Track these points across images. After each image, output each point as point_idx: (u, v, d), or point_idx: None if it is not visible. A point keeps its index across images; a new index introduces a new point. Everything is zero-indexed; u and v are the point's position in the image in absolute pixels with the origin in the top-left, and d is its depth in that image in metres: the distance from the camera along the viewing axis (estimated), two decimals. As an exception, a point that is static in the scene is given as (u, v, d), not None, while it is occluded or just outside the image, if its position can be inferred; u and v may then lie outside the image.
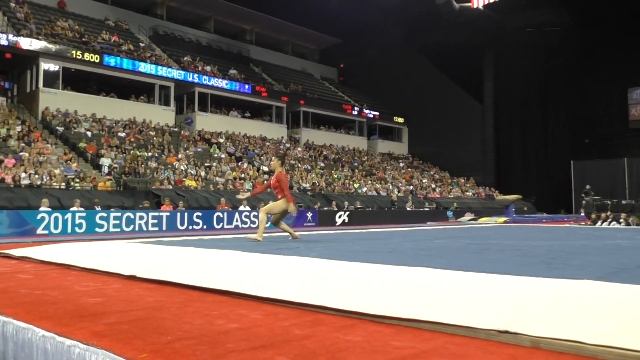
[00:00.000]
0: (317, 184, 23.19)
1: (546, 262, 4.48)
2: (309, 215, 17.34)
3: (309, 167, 25.99)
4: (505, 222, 18.96)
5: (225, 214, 15.03)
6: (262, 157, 24.19)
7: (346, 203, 20.46)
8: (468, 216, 22.77)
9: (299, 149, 28.97)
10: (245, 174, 21.10)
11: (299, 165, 25.54)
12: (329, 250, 5.88)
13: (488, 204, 29.29)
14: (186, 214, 14.25)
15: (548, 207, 31.36)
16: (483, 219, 20.56)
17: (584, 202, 24.78)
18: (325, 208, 19.74)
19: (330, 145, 32.09)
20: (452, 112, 36.56)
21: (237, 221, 15.16)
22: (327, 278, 3.65)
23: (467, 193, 31.42)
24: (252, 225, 15.43)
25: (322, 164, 27.56)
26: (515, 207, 22.53)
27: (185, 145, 22.46)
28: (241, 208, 16.25)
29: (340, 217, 18.34)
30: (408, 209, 22.74)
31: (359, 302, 2.98)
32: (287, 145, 28.77)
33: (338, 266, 4.15)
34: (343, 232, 10.93)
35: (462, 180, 34.36)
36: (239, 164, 22.45)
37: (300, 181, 22.84)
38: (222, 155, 22.85)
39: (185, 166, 19.64)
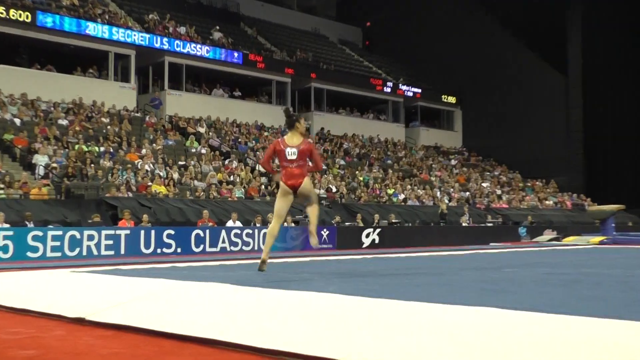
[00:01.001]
0: (336, 190, 23.22)
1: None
2: (325, 233, 17.40)
3: (324, 166, 26.07)
4: (601, 242, 18.79)
5: (208, 232, 15.08)
6: (257, 153, 24.28)
7: (376, 217, 20.47)
8: (548, 234, 22.63)
9: (310, 140, 28.98)
10: (234, 176, 21.18)
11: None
12: (353, 282, 5.88)
13: (576, 217, 29.09)
14: (153, 232, 14.31)
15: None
16: (570, 239, 20.42)
17: None
18: (347, 224, 19.76)
19: (353, 135, 32.17)
20: (524, 88, 36.53)
21: (223, 242, 15.21)
22: (352, 321, 3.62)
23: (547, 202, 31.26)
24: (244, 247, 15.47)
25: (342, 162, 27.63)
26: (616, 221, 22.29)
27: (151, 137, 22.61)
28: (230, 224, 16.30)
29: (368, 236, 18.35)
30: (464, 224, 22.70)
31: (394, 353, 2.93)
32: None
33: (365, 304, 4.15)
34: (373, 258, 10.91)
35: (539, 184, 34.21)
36: (226, 162, 22.55)
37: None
38: (203, 150, 22.98)
39: (151, 165, 19.76)
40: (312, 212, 7.20)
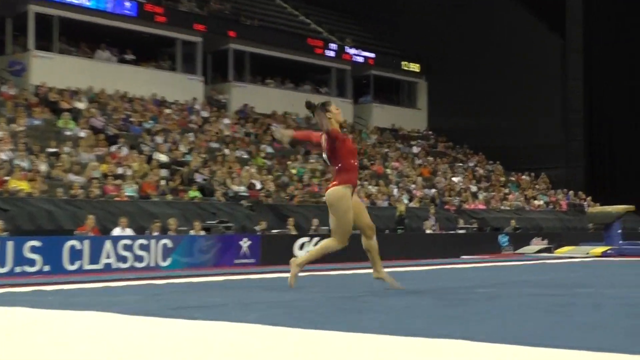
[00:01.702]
0: (261, 187, 23.13)
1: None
2: (244, 244, 17.32)
3: (245, 155, 25.95)
4: (604, 254, 19.28)
5: (87, 243, 14.84)
6: (157, 137, 24.00)
7: (315, 222, 20.48)
8: (536, 244, 23.05)
9: (226, 120, 28.93)
10: (125, 168, 20.89)
11: (226, 151, 25.48)
12: (281, 308, 5.87)
13: (573, 222, 29.82)
14: (10, 244, 13.98)
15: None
16: (564, 250, 20.86)
17: None
18: (276, 231, 19.70)
19: (284, 114, 32.14)
20: (508, 54, 37.13)
21: (108, 257, 14.98)
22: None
23: (536, 202, 31.93)
24: (136, 264, 15.29)
25: (269, 149, 27.56)
26: (623, 226, 22.90)
27: (9, 114, 22.09)
28: (117, 232, 16.07)
29: (302, 247, 18.29)
30: (428, 231, 22.93)
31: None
32: (204, 112, 28.70)
33: (296, 337, 4.13)
34: (308, 276, 10.91)
35: (527, 179, 34.92)
36: (114, 148, 22.22)
37: (229, 181, 22.76)
38: (82, 133, 22.58)
39: (9, 153, 19.31)
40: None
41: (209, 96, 30.80)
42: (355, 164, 7.49)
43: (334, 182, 7.44)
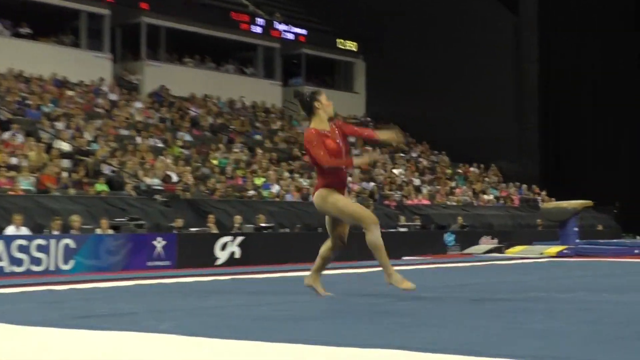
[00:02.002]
0: (177, 180, 22.97)
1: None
2: (159, 244, 17.18)
3: (160, 144, 25.72)
4: (560, 254, 19.60)
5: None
6: (58, 122, 23.65)
7: (238, 219, 20.44)
8: (486, 243, 23.33)
9: (138, 104, 28.62)
10: (20, 157, 20.56)
11: (139, 139, 25.22)
12: (199, 315, 5.86)
13: (526, 219, 30.23)
14: None
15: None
16: (516, 249, 21.12)
17: None
18: (194, 229, 19.61)
19: (204, 97, 31.96)
20: (456, 32, 37.39)
21: (0, 260, 14.75)
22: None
23: (485, 196, 32.31)
24: (33, 267, 15.05)
25: (187, 137, 27.37)
26: (580, 224, 23.31)
27: None
28: (11, 231, 15.82)
29: (225, 247, 18.30)
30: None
31: None
32: (113, 95, 28.36)
33: (215, 349, 4.10)
34: (231, 280, 10.89)
35: (476, 171, 35.29)
36: (6, 135, 21.84)
37: (141, 173, 22.52)
38: (-31, 118, 22.12)
39: None
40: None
41: (118, 76, 30.44)
42: (340, 170, 7.52)
43: (316, 186, 7.68)
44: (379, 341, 4.34)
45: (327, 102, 7.48)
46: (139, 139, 25.19)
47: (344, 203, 7.68)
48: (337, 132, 7.43)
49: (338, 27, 38.48)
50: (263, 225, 20.58)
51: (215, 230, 19.69)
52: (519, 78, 37.21)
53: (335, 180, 7.57)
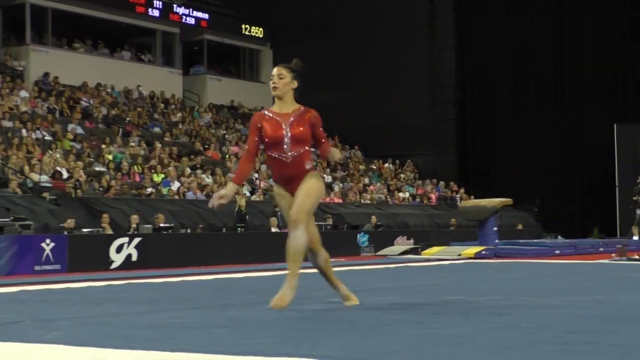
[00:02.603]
0: (68, 176, 22.69)
1: (562, 341, 4.71)
2: (47, 247, 16.96)
3: (48, 137, 25.36)
4: (478, 255, 19.94)
5: None
6: None
7: (134, 219, 20.29)
8: (401, 244, 23.60)
9: (23, 93, 28.17)
10: None
11: (24, 131, 24.84)
12: (91, 323, 5.83)
13: (444, 218, 30.63)
14: None
15: (566, 224, 33.58)
16: (433, 250, 21.43)
17: (638, 213, 26.72)
18: (87, 230, 19.40)
19: (97, 86, 31.64)
20: (368, 17, 37.60)
21: None
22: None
23: (401, 194, 32.63)
24: None
25: (79, 129, 27.03)
26: (500, 222, 23.72)
27: None
28: None
29: (120, 250, 18.17)
30: (273, 229, 23.08)
31: None
32: (-5, 84, 27.88)
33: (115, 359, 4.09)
34: (126, 285, 10.81)
35: (390, 167, 35.58)
36: None
37: (27, 169, 22.18)
38: None
39: None
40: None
41: (0, 62, 29.88)
42: (275, 155, 7.05)
43: (311, 168, 7.22)
44: (284, 349, 4.36)
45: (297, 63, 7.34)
46: (24, 132, 24.84)
47: (281, 205, 7.33)
48: (301, 119, 7.13)
49: (243, 11, 38.38)
50: (162, 225, 20.49)
51: (109, 231, 19.54)
52: (434, 66, 37.51)
53: (276, 173, 7.27)
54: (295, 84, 7.29)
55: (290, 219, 6.98)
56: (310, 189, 7.00)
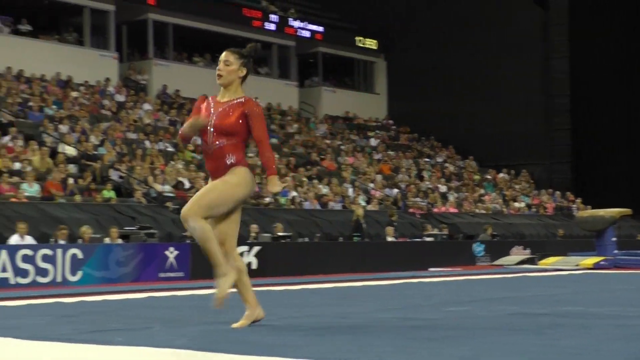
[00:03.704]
0: (190, 186, 23.02)
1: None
2: (171, 255, 17.26)
3: (170, 148, 25.79)
4: (596, 265, 19.59)
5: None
6: (62, 125, 23.77)
7: (254, 228, 20.48)
8: (517, 254, 23.28)
9: (147, 105, 28.69)
10: (24, 162, 20.68)
11: (148, 143, 25.28)
12: (217, 330, 5.90)
13: (559, 227, 30.11)
14: None
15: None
16: (550, 261, 21.11)
17: None
18: (207, 239, 19.64)
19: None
20: (482, 28, 37.28)
21: (4, 271, 14.79)
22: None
23: (516, 204, 32.21)
24: (39, 278, 15.13)
25: (199, 141, 27.33)
26: (618, 233, 23.21)
27: None
28: (15, 240, 15.90)
29: (241, 256, 18.32)
30: (389, 239, 23.04)
31: None
32: (119, 96, 28.45)
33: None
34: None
35: (505, 177, 35.16)
36: (7, 140, 21.96)
37: (151, 179, 22.60)
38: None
39: None
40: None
41: (125, 76, 30.50)
42: (202, 144, 6.53)
43: (237, 163, 6.56)
44: (407, 357, 4.39)
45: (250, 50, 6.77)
46: (148, 143, 25.23)
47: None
48: (233, 109, 6.45)
49: (357, 24, 38.41)
50: (280, 234, 20.57)
51: (229, 240, 19.74)
52: (549, 76, 36.98)
53: (206, 163, 6.68)
54: (243, 71, 6.65)
55: (181, 214, 6.39)
56: (217, 185, 6.34)
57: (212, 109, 6.48)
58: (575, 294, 10.41)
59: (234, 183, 6.34)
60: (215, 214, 6.36)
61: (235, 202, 6.40)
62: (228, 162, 6.39)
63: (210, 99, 6.59)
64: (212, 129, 6.39)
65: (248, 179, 6.49)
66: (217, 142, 6.38)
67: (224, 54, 6.65)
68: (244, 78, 6.66)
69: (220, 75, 6.51)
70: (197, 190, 21.80)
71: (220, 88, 6.59)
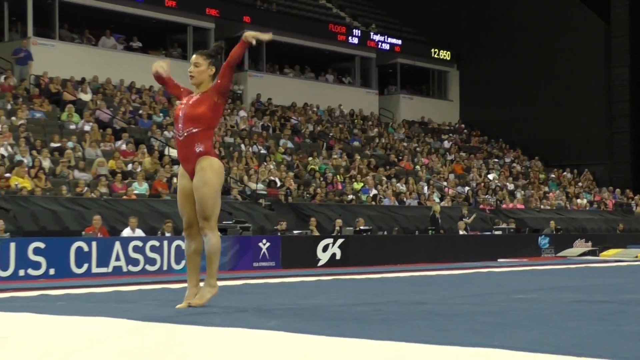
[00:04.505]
0: (280, 184, 23.18)
1: None
2: (264, 246, 17.40)
3: (263, 151, 25.98)
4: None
5: (95, 245, 14.95)
6: (166, 132, 24.09)
7: (338, 222, 20.53)
8: (580, 246, 23.01)
9: (242, 113, 28.97)
10: (134, 165, 21.02)
11: (243, 146, 25.52)
12: (304, 315, 5.91)
13: (619, 222, 29.63)
14: (13, 245, 14.10)
15: None
16: (610, 253, 20.82)
17: None
18: (297, 232, 19.79)
19: (304, 106, 32.16)
20: (547, 39, 36.92)
21: (117, 259, 15.09)
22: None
23: (579, 200, 31.79)
24: (148, 267, 15.37)
25: (289, 144, 27.59)
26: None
27: (9, 106, 22.26)
28: (127, 233, 16.17)
29: (326, 249, 18.44)
30: (461, 232, 22.93)
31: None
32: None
33: (319, 345, 4.15)
34: (332, 280, 10.96)
35: (568, 176, 34.74)
36: (121, 144, 22.33)
37: (246, 178, 22.80)
38: (87, 127, 22.71)
39: (9, 149, 19.46)
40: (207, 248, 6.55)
41: (225, 86, 30.80)
42: (174, 135, 6.57)
43: (205, 153, 6.54)
44: (478, 340, 4.35)
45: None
46: (243, 146, 25.49)
47: (179, 182, 6.76)
48: (204, 97, 6.45)
49: (432, 37, 38.38)
50: (362, 228, 20.66)
51: (316, 233, 19.84)
52: (610, 82, 36.57)
53: (177, 152, 6.68)
54: (212, 70, 6.63)
55: (200, 226, 6.45)
56: (205, 192, 6.36)
57: (185, 100, 6.53)
58: (635, 284, 10.22)
59: (214, 181, 6.41)
60: (217, 213, 6.53)
61: (219, 194, 6.53)
62: (197, 150, 6.41)
63: (189, 96, 6.57)
64: (182, 117, 6.41)
65: (220, 170, 6.54)
66: (187, 130, 6.39)
67: (193, 56, 6.66)
68: (214, 75, 6.66)
69: (192, 77, 6.52)
70: (287, 189, 22.12)
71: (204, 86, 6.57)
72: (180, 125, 6.46)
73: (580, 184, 34.35)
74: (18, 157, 19.05)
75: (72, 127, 22.60)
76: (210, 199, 6.40)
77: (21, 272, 13.94)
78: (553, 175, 34.55)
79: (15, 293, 8.73)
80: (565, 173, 34.98)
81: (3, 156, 18.92)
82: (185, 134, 6.42)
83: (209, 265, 6.53)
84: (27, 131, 20.83)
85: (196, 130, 6.40)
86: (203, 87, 6.57)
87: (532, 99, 37.06)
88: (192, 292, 6.58)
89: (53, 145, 20.79)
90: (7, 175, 17.92)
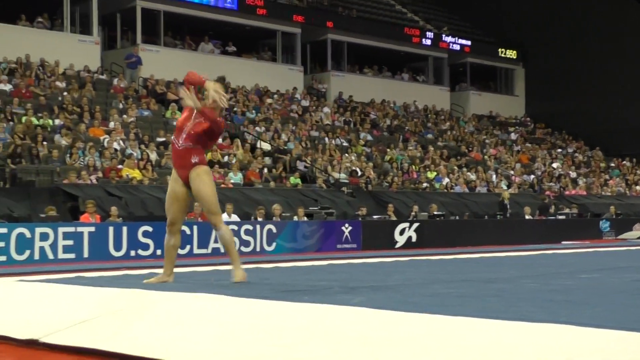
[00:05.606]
0: (361, 174, 23.21)
1: None
2: (346, 230, 17.44)
3: (345, 143, 26.02)
4: None
5: (196, 229, 15.17)
6: (258, 127, 24.30)
7: (414, 208, 20.48)
8: (639, 229, 22.53)
9: (326, 109, 29.05)
10: (229, 157, 21.24)
11: (327, 139, 25.60)
12: (386, 292, 5.90)
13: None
14: (125, 229, 14.40)
15: None
16: (667, 235, 20.36)
17: None
18: (376, 217, 19.78)
19: (382, 102, 32.10)
20: (608, 37, 36.17)
21: (216, 241, 15.27)
22: (385, 342, 3.63)
23: (638, 187, 31.07)
24: (243, 248, 15.54)
25: (368, 137, 27.59)
26: None
27: (121, 106, 22.69)
28: (224, 218, 16.32)
29: (403, 232, 18.43)
30: (527, 217, 22.64)
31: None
32: (304, 101, 28.89)
33: (401, 320, 4.16)
34: (409, 260, 10.92)
35: (628, 164, 33.98)
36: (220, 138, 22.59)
37: (330, 168, 22.88)
38: (188, 123, 23.00)
39: (121, 143, 19.83)
40: (221, 239, 6.92)
41: (308, 86, 31.01)
42: (172, 140, 6.67)
43: (200, 162, 6.72)
44: (545, 317, 4.27)
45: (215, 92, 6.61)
46: (327, 140, 25.58)
47: (170, 185, 6.82)
48: (204, 122, 6.53)
49: (499, 37, 38.02)
50: (435, 213, 20.59)
51: (394, 218, 19.82)
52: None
53: (173, 158, 6.82)
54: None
55: (212, 223, 6.78)
56: (207, 191, 6.60)
57: (187, 114, 6.67)
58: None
59: (211, 183, 6.68)
60: (220, 208, 6.83)
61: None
62: (192, 160, 6.59)
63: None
64: (184, 132, 6.56)
65: (211, 173, 6.93)
66: (186, 144, 6.55)
67: (219, 84, 6.75)
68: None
69: (216, 101, 6.59)
70: (367, 178, 22.09)
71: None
72: (182, 136, 6.59)
73: (639, 171, 33.59)
74: (129, 151, 19.45)
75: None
76: (213, 196, 6.63)
77: (132, 253, 14.31)
78: (613, 164, 33.86)
79: (126, 271, 8.91)
80: (625, 162, 34.25)
81: (116, 150, 19.32)
82: (185, 146, 6.59)
83: (230, 254, 6.85)
84: (137, 128, 21.24)
85: (194, 146, 6.59)
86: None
87: (594, 92, 36.38)
88: (164, 278, 6.87)
89: (159, 139, 21.16)
90: (120, 166, 18.31)
